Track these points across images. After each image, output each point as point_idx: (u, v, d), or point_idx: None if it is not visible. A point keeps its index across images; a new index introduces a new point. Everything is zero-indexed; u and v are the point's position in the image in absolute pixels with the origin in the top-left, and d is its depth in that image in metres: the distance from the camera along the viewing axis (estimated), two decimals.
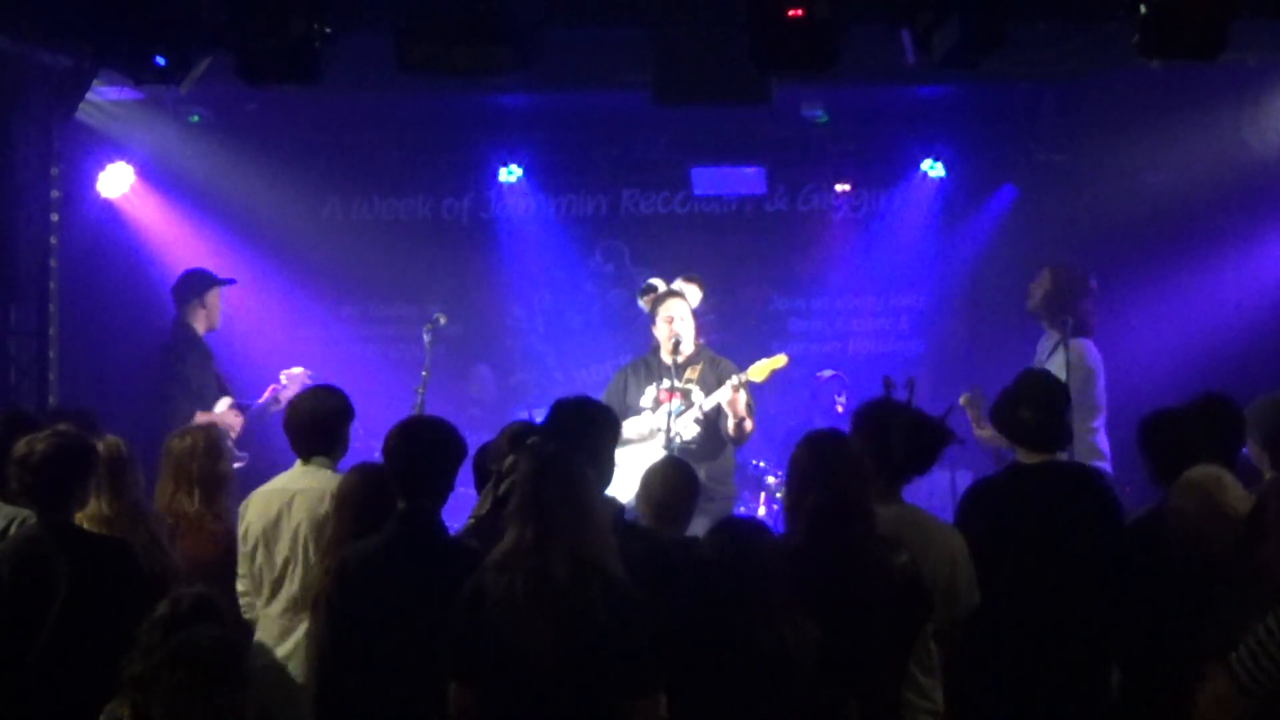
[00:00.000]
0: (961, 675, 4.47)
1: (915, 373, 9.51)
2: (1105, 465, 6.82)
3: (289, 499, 4.90)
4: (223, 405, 7.59)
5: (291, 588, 4.84)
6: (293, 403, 5.21)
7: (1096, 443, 6.88)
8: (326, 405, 5.08)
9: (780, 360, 7.16)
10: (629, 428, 6.96)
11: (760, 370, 7.11)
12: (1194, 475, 4.36)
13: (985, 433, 6.31)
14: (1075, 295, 7.08)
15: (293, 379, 7.67)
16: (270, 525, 4.89)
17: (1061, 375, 6.50)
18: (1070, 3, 6.62)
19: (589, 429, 4.19)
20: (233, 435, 7.43)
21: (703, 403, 6.93)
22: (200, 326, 7.80)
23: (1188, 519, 4.27)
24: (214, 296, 7.87)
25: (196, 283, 7.88)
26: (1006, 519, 4.52)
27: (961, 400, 6.66)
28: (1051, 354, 7.02)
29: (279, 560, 4.88)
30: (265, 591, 4.92)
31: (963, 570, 4.29)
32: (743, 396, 6.83)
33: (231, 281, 8.04)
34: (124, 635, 3.67)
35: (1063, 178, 9.07)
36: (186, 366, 7.60)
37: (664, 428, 6.83)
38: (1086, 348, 6.99)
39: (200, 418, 7.38)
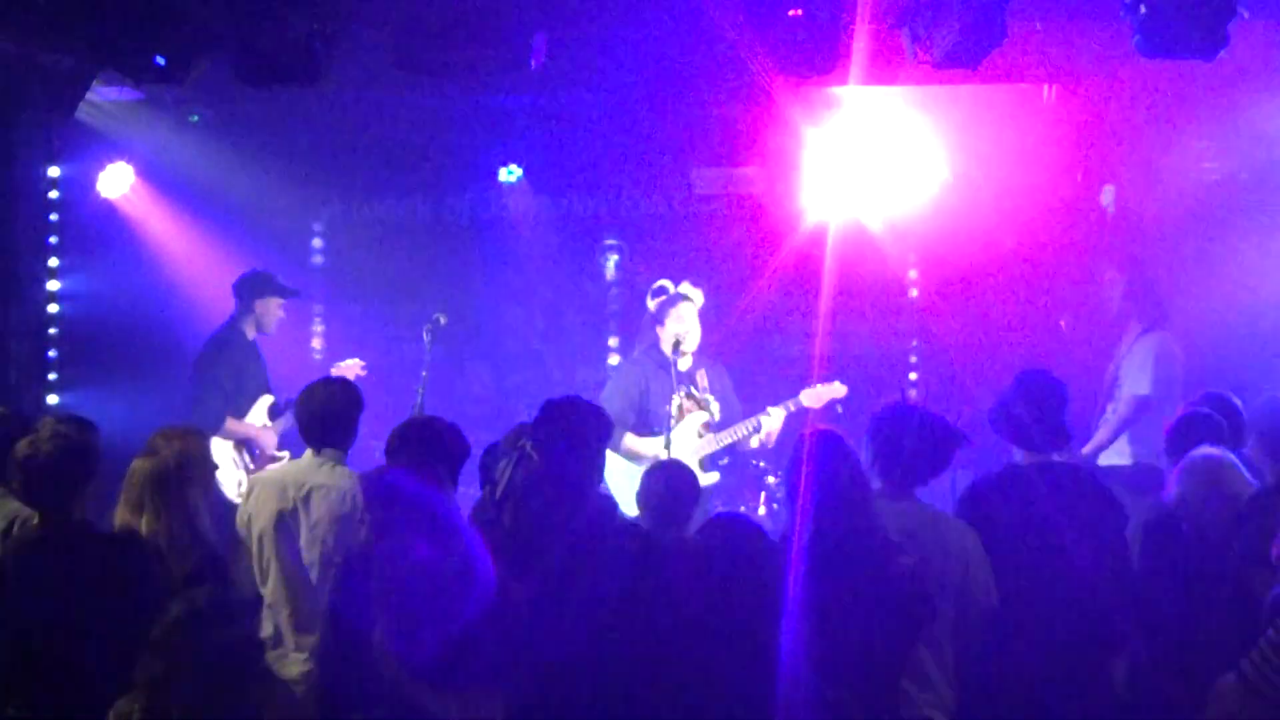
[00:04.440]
0: (962, 675, 4.48)
1: (916, 374, 9.58)
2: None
3: (304, 491, 4.93)
4: (262, 405, 7.60)
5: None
6: (306, 394, 5.21)
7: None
8: (341, 397, 5.12)
9: (839, 389, 7.20)
10: (646, 446, 6.95)
11: (817, 397, 7.13)
12: (1199, 459, 4.42)
13: None
14: (1150, 286, 7.18)
15: (345, 372, 7.71)
16: (287, 514, 4.90)
17: (1146, 369, 6.68)
18: (1070, 3, 6.62)
19: (581, 429, 4.19)
20: (268, 450, 7.43)
21: (742, 426, 7.00)
22: (250, 330, 7.78)
23: (1190, 500, 4.31)
24: (270, 304, 7.83)
25: (251, 286, 7.86)
26: (1004, 519, 4.52)
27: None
28: (1133, 347, 7.07)
29: (292, 549, 4.91)
30: (265, 577, 4.97)
31: (977, 569, 4.31)
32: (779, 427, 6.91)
33: (294, 293, 8.02)
34: (128, 634, 3.66)
35: (1063, 178, 9.06)
36: (219, 369, 7.58)
37: (666, 441, 6.82)
38: (1169, 339, 7.07)
39: (230, 424, 7.38)
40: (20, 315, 7.59)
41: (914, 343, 9.84)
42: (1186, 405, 5.50)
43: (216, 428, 7.37)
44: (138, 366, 8.31)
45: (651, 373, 7.19)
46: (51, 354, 7.84)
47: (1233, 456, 4.62)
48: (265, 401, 7.68)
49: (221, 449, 7.44)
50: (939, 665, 4.23)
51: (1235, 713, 3.34)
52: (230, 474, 7.35)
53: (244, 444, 7.58)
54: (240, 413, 7.56)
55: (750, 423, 6.98)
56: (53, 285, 7.87)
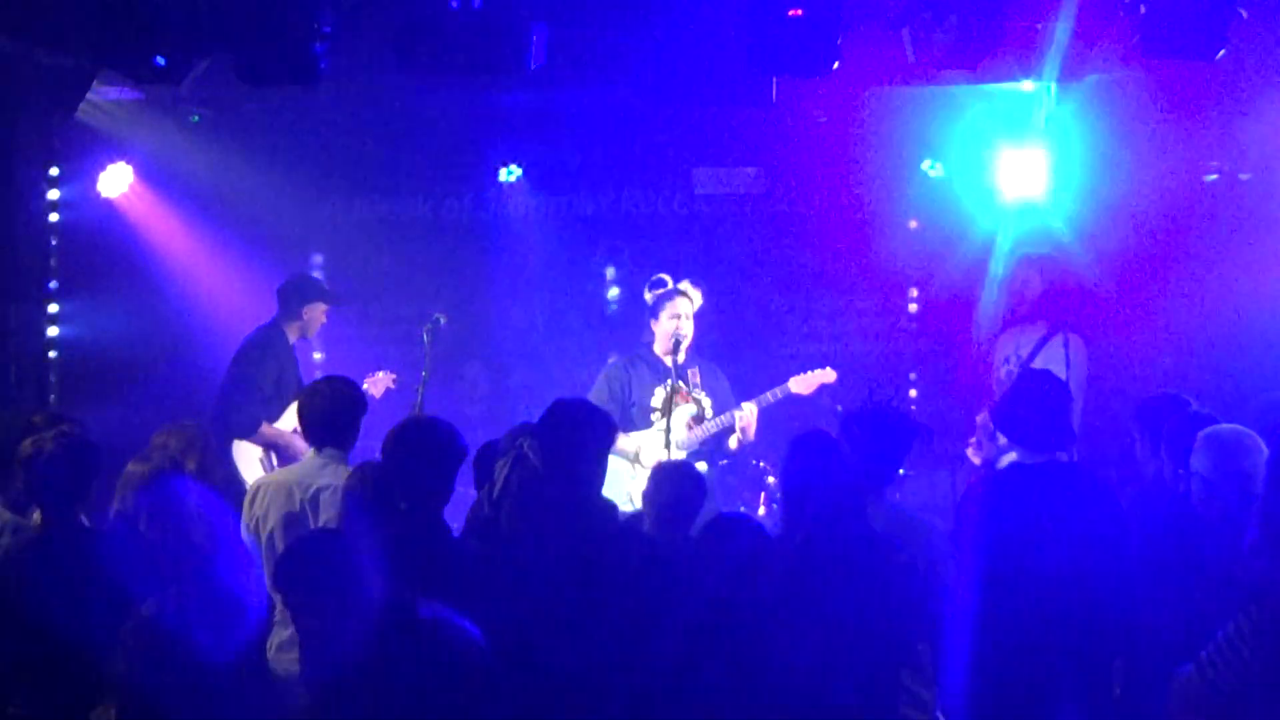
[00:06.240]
0: (962, 675, 4.48)
1: (915, 373, 9.57)
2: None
3: (310, 493, 4.90)
4: (293, 409, 7.54)
5: None
6: (309, 391, 5.20)
7: None
8: (344, 396, 5.11)
9: (829, 375, 7.14)
10: (625, 442, 6.92)
11: (807, 383, 7.07)
12: (1227, 432, 4.38)
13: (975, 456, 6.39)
14: (1069, 288, 7.12)
15: (376, 383, 7.68)
16: (294, 517, 4.88)
17: (1064, 374, 6.56)
18: (1070, 3, 6.62)
19: (584, 432, 4.19)
20: (300, 456, 7.39)
21: (720, 418, 6.90)
22: (292, 334, 7.74)
23: (1203, 477, 4.28)
24: (316, 310, 7.79)
25: (300, 290, 7.80)
26: (1007, 519, 4.52)
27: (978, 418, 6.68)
28: (1042, 349, 6.99)
29: None
30: None
31: (936, 570, 4.35)
32: (755, 421, 6.86)
33: (341, 300, 7.99)
34: None
35: (1063, 177, 9.06)
36: (262, 373, 7.52)
37: (666, 428, 6.80)
38: (1080, 343, 7.01)
39: (266, 430, 7.35)
40: (20, 315, 7.59)
41: (913, 344, 9.85)
42: (1162, 404, 5.34)
43: (251, 433, 7.36)
44: (139, 365, 8.32)
45: (636, 369, 7.14)
46: (52, 354, 7.85)
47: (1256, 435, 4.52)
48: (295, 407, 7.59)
49: (249, 452, 7.42)
50: (913, 667, 4.26)
51: (1192, 707, 3.33)
52: (256, 476, 7.28)
53: (272, 448, 7.46)
54: (274, 417, 7.50)
55: (725, 416, 6.92)
56: (53, 284, 7.88)
